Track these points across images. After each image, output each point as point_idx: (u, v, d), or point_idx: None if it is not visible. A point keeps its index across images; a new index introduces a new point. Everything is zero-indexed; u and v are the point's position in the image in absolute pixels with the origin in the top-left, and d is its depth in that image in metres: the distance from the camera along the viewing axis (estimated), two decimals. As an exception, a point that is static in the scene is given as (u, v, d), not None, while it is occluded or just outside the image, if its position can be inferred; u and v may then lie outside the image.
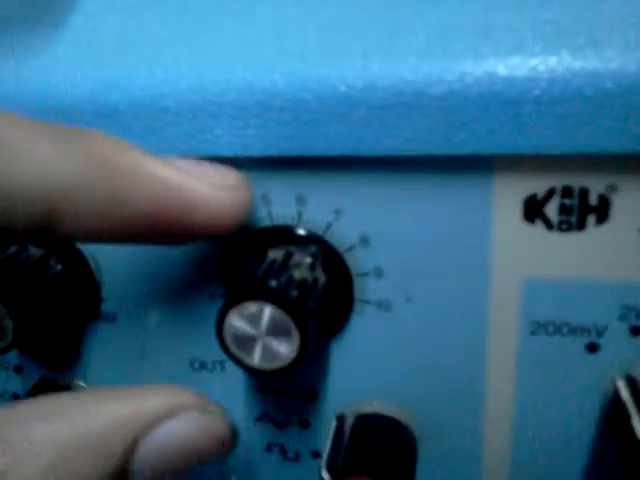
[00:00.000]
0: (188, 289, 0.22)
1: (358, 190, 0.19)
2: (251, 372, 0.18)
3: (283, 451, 0.24)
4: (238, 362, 0.18)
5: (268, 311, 0.17)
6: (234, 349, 0.18)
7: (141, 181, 0.16)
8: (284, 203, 0.20)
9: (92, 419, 0.14)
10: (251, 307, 0.17)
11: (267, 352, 0.18)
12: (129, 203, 0.16)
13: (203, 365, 0.23)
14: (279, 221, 0.20)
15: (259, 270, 0.19)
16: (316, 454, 0.24)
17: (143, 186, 0.16)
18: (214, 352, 0.23)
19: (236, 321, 0.18)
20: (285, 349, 0.18)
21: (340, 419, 0.22)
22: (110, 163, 0.16)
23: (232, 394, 0.23)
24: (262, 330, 0.18)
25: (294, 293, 0.18)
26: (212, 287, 0.22)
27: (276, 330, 0.18)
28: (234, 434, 0.17)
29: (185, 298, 0.22)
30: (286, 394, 0.23)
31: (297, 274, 0.19)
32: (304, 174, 0.19)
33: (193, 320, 0.22)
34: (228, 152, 0.19)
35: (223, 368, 0.23)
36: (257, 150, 0.19)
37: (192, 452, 0.16)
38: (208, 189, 0.17)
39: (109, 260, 0.22)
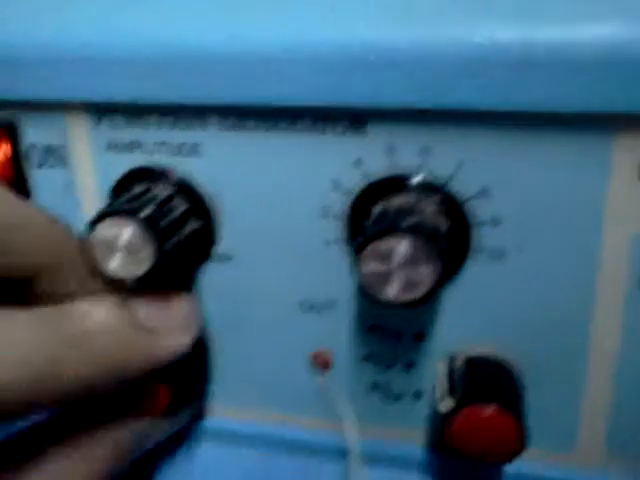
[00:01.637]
0: (304, 233, 0.23)
1: (482, 143, 0.20)
2: (386, 305, 0.19)
3: (386, 391, 0.25)
4: (373, 297, 0.19)
5: (405, 245, 0.18)
6: (370, 284, 0.19)
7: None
8: (409, 153, 0.21)
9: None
10: (389, 242, 0.18)
11: (403, 284, 0.19)
12: None
13: (312, 306, 0.24)
14: (402, 170, 0.21)
15: (389, 211, 0.20)
16: (418, 395, 0.25)
17: None
18: (325, 293, 0.24)
19: (372, 257, 0.19)
20: (421, 281, 0.19)
21: (449, 360, 0.23)
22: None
23: (340, 334, 0.25)
24: (398, 264, 0.19)
25: (427, 229, 0.19)
26: (329, 232, 0.23)
27: (411, 264, 0.19)
28: None
29: (301, 241, 0.23)
30: (394, 335, 0.24)
31: (426, 217, 0.20)
32: (432, 126, 0.20)
33: (307, 263, 0.24)
34: (364, 102, 0.20)
35: (333, 309, 0.24)
36: (393, 101, 0.19)
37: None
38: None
39: (230, 201, 0.23)
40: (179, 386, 0.24)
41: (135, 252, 0.21)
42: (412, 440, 0.26)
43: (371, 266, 0.19)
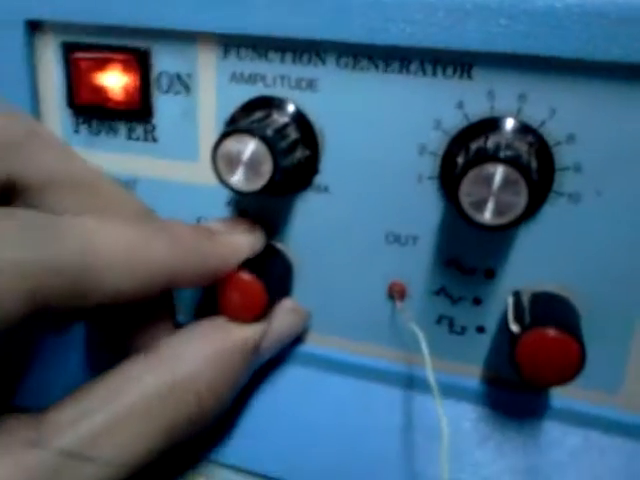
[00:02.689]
0: (400, 168, 0.26)
1: (573, 93, 0.23)
2: (480, 227, 0.22)
3: (451, 324, 0.28)
4: (470, 220, 0.22)
5: (503, 172, 0.21)
6: (469, 209, 0.22)
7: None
8: (507, 98, 0.24)
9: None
10: (489, 168, 0.21)
11: (498, 209, 0.22)
12: None
13: (397, 239, 0.27)
14: (499, 114, 0.24)
15: (488, 145, 0.23)
16: (480, 329, 0.28)
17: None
18: (410, 227, 0.27)
19: (473, 182, 0.22)
20: (512, 208, 0.21)
21: (516, 294, 0.26)
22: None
23: (418, 267, 0.27)
24: (494, 189, 0.21)
25: (522, 162, 0.21)
26: (424, 168, 0.26)
27: (506, 191, 0.21)
28: None
29: (395, 176, 0.26)
30: (467, 271, 0.27)
31: (521, 152, 0.22)
32: (529, 74, 0.23)
33: (398, 197, 0.26)
34: (476, 47, 0.23)
35: (415, 243, 0.27)
36: (500, 46, 0.22)
37: None
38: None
39: (336, 135, 0.26)
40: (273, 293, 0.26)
41: (255, 167, 0.24)
42: (471, 373, 0.29)
43: (471, 190, 0.22)
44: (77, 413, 0.20)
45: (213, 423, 0.25)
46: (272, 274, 0.27)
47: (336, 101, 0.26)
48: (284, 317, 0.28)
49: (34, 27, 0.28)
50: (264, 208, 0.29)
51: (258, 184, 0.24)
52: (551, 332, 0.23)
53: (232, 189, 0.24)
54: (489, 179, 0.21)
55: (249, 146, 0.24)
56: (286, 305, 0.28)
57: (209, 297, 0.25)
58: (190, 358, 0.23)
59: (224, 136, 0.24)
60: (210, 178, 0.28)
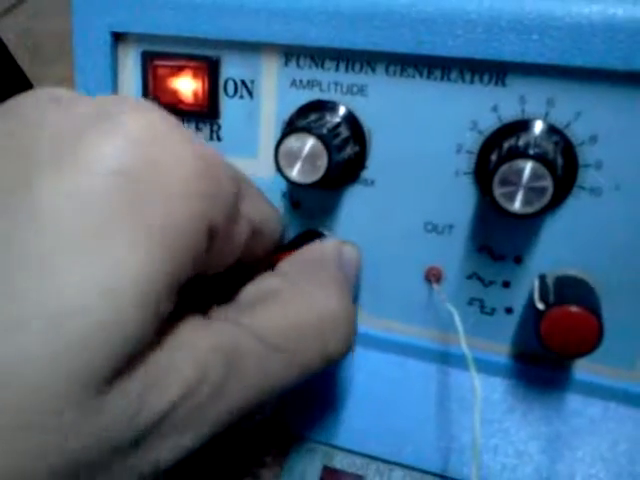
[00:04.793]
0: (439, 164, 0.29)
1: (597, 98, 0.26)
2: (510, 215, 0.25)
3: (482, 306, 0.31)
4: (502, 209, 0.25)
5: (531, 167, 0.24)
6: (501, 199, 0.25)
7: None
8: (537, 103, 0.27)
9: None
10: (519, 163, 0.24)
11: (526, 199, 0.25)
12: None
13: (434, 227, 0.30)
14: (529, 116, 0.27)
15: (519, 144, 0.26)
16: (509, 310, 0.31)
17: None
18: (446, 217, 0.30)
19: (505, 175, 0.25)
20: (538, 199, 0.25)
21: (542, 277, 0.29)
22: None
23: (453, 253, 0.31)
24: (524, 182, 0.25)
25: (549, 159, 0.25)
26: (460, 164, 0.29)
27: (533, 183, 0.25)
28: None
29: (434, 172, 0.29)
30: (497, 257, 0.30)
31: (548, 151, 0.26)
32: (557, 81, 0.26)
33: (436, 190, 0.30)
34: (510, 57, 0.26)
35: (451, 231, 0.30)
36: (531, 57, 0.26)
37: None
38: None
39: (382, 135, 0.30)
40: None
41: (313, 161, 0.28)
42: (499, 350, 0.32)
43: (503, 183, 0.25)
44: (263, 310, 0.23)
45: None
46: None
47: (383, 104, 0.29)
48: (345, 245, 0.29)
49: (118, 38, 0.32)
50: (316, 199, 0.32)
51: (315, 177, 0.28)
52: (573, 309, 0.26)
53: (292, 182, 0.28)
54: (519, 173, 0.25)
55: (308, 143, 0.27)
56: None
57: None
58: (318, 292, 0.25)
59: (285, 135, 0.28)
60: (267, 172, 0.32)
